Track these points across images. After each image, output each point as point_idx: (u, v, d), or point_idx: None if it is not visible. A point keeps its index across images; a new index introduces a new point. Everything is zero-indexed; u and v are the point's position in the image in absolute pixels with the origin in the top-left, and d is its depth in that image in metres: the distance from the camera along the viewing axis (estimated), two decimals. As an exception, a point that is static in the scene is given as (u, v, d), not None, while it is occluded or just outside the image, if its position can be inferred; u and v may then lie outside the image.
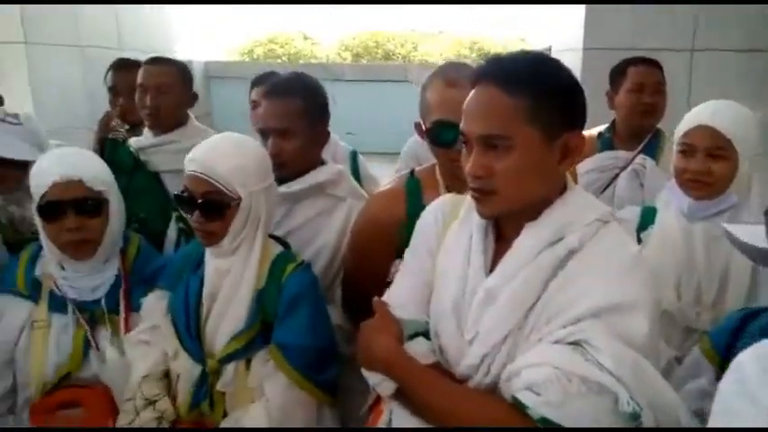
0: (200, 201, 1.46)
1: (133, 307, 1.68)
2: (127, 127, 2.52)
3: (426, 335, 1.19)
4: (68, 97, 7.09)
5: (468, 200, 1.20)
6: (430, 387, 1.09)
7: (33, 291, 1.66)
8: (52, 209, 1.58)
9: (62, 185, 1.57)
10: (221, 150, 1.48)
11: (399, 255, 1.57)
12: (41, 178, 1.60)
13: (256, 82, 2.54)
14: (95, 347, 1.62)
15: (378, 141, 6.66)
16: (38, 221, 1.63)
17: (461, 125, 1.11)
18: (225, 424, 1.46)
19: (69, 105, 6.59)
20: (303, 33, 14.38)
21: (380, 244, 1.55)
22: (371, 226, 1.59)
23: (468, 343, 1.11)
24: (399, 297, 1.25)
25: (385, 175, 2.61)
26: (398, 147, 2.85)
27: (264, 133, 1.74)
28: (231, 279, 1.50)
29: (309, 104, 1.77)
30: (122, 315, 1.67)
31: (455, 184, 1.53)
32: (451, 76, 1.47)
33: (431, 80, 1.51)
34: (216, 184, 1.44)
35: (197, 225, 1.47)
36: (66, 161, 1.63)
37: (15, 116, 1.89)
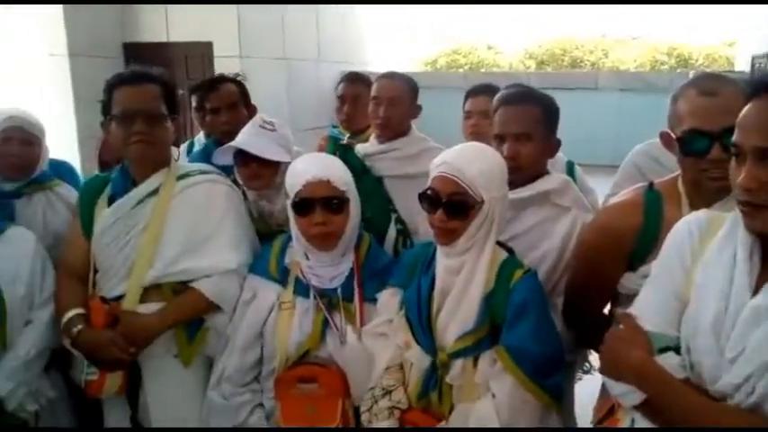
0: (445, 200, 1.56)
1: (365, 297, 1.85)
2: (348, 134, 2.76)
3: (677, 350, 1.17)
4: (275, 105, 7.87)
5: (730, 216, 1.17)
6: (688, 402, 1.08)
7: (282, 276, 1.90)
8: (304, 205, 1.79)
9: (313, 185, 1.78)
10: (470, 156, 1.59)
11: (630, 266, 1.56)
12: (297, 178, 1.81)
13: (472, 92, 2.63)
14: (336, 329, 1.79)
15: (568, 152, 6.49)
16: (291, 215, 1.85)
17: (735, 137, 1.09)
18: (453, 416, 1.55)
19: (277, 113, 7.30)
20: (487, 43, 14.41)
21: (611, 254, 1.55)
22: (604, 235, 1.58)
23: (728, 362, 1.08)
24: (647, 309, 1.24)
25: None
26: (591, 157, 2.79)
27: (501, 138, 1.82)
28: (462, 278, 1.58)
29: (547, 113, 1.83)
30: (357, 304, 1.83)
31: (700, 196, 1.48)
32: (706, 85, 1.44)
33: (684, 90, 1.49)
34: (462, 185, 1.54)
35: (439, 223, 1.58)
36: (317, 164, 1.85)
37: (271, 123, 2.17)
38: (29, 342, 1.94)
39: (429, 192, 1.61)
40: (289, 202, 1.85)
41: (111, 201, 1.95)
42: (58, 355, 2.04)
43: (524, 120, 1.80)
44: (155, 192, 1.94)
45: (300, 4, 8.86)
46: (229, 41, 8.03)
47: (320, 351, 1.82)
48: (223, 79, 2.61)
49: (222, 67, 7.63)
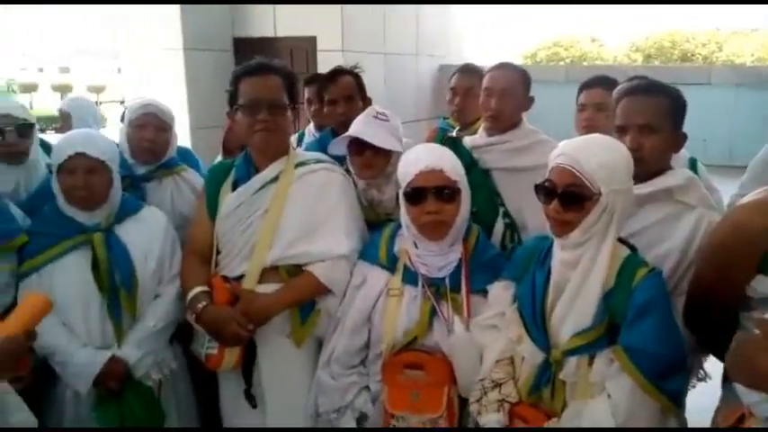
0: (560, 191, 1.54)
1: (472, 289, 1.85)
2: (458, 126, 2.76)
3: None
4: (373, 98, 7.98)
5: None
6: None
7: (391, 263, 1.93)
8: (416, 194, 1.81)
9: (426, 174, 1.80)
10: (591, 147, 1.55)
11: (762, 268, 1.46)
12: (410, 167, 1.84)
13: (587, 85, 2.56)
14: (443, 319, 1.81)
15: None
16: (402, 204, 1.88)
17: None
18: (566, 414, 1.52)
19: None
20: (590, 35, 13.87)
21: (743, 255, 1.45)
22: (736, 235, 1.49)
23: None
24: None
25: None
26: (703, 157, 2.64)
27: (623, 130, 1.76)
28: (579, 273, 1.54)
29: (674, 105, 1.76)
30: (464, 294, 1.84)
31: None
32: None
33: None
34: (580, 176, 1.51)
35: (554, 214, 1.55)
36: (430, 154, 1.87)
37: (384, 114, 2.21)
38: (157, 315, 2.10)
39: (546, 183, 1.59)
40: (400, 191, 1.88)
41: (234, 186, 2.07)
42: (179, 329, 2.20)
43: (650, 111, 1.74)
44: (275, 178, 2.04)
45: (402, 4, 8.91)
46: (333, 36, 8.21)
47: (427, 339, 1.84)
48: (342, 72, 2.68)
49: (325, 60, 7.83)
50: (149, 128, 2.37)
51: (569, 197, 1.53)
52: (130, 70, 8.72)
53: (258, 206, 2.02)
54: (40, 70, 24.09)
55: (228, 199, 2.05)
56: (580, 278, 1.54)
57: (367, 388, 1.95)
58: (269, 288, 1.99)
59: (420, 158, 1.84)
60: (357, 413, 1.92)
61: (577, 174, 1.51)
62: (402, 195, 1.87)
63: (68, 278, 1.99)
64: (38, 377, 1.98)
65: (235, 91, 2.00)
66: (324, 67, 6.77)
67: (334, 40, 8.23)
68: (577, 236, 1.54)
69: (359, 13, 8.31)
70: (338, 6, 8.05)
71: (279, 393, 2.03)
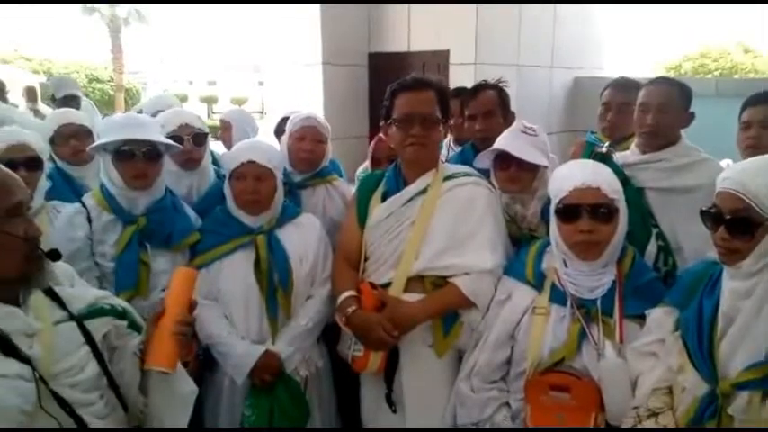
0: (727, 217, 1.45)
1: (626, 313, 1.78)
2: (607, 142, 2.66)
3: None
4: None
5: None
6: None
7: (538, 281, 1.91)
8: (570, 211, 1.78)
9: (581, 191, 1.76)
10: (756, 169, 1.45)
11: None
12: (563, 183, 1.81)
13: (752, 101, 2.38)
14: (593, 342, 1.76)
15: None
16: (553, 221, 1.86)
17: None
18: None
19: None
20: (743, 45, 12.79)
21: None
22: None
23: None
24: None
25: None
26: None
27: None
28: (752, 303, 1.44)
29: None
30: (617, 318, 1.77)
31: None
32: None
33: None
34: (746, 200, 1.42)
35: (721, 241, 1.47)
36: (586, 170, 1.83)
37: (532, 128, 2.20)
38: (308, 314, 2.23)
39: (712, 209, 1.50)
40: (551, 207, 1.86)
41: (384, 197, 2.15)
42: (326, 329, 2.31)
43: None
44: (424, 191, 2.09)
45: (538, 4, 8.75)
46: (466, 49, 8.23)
47: (574, 361, 1.80)
48: (485, 86, 2.69)
49: (456, 74, 7.87)
50: (308, 139, 2.53)
51: (737, 223, 1.44)
52: (271, 84, 9.27)
53: (406, 217, 2.08)
54: (190, 83, 26.40)
55: (378, 209, 2.13)
56: (754, 309, 1.44)
57: (507, 404, 1.94)
58: (413, 297, 2.04)
59: (575, 174, 1.81)
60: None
61: (744, 198, 1.42)
62: (553, 212, 1.84)
63: (233, 275, 2.17)
64: (200, 364, 2.18)
65: (390, 105, 2.08)
66: (455, 80, 6.81)
67: (467, 53, 8.25)
68: (749, 264, 1.44)
69: (493, 24, 8.28)
70: (473, 18, 8.07)
71: (418, 400, 2.07)
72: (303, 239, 2.26)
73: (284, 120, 3.38)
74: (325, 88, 8.53)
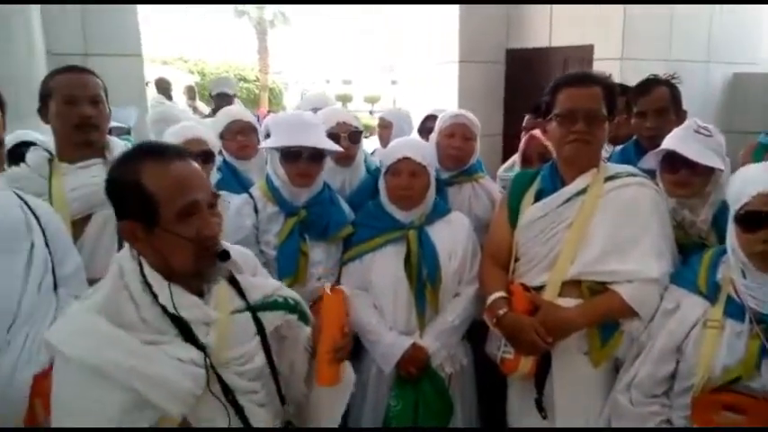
0: None
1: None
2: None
3: None
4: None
5: None
6: None
7: (711, 292, 1.76)
8: (752, 219, 1.62)
9: (765, 197, 1.60)
10: None
11: None
12: (745, 187, 1.65)
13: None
14: (778, 361, 1.59)
15: None
16: (731, 228, 1.70)
17: None
18: None
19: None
20: None
21: None
22: None
23: None
24: None
25: None
26: None
27: None
28: None
29: None
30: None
31: None
32: None
33: None
34: None
35: None
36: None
37: (707, 128, 2.03)
38: (455, 311, 2.23)
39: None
40: (729, 214, 1.71)
41: (538, 196, 2.09)
42: (470, 328, 2.30)
43: None
44: (583, 191, 2.00)
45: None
46: (612, 43, 7.82)
47: (753, 381, 1.64)
48: (656, 82, 2.54)
49: (601, 70, 7.49)
50: (458, 137, 2.53)
51: None
52: (404, 82, 9.39)
53: (563, 218, 2.01)
54: (327, 82, 27.53)
55: (532, 209, 2.07)
56: None
57: (668, 421, 1.81)
58: (568, 302, 1.96)
59: (760, 179, 1.65)
60: (657, 446, 1.80)
61: None
62: (733, 219, 1.69)
63: (384, 267, 2.23)
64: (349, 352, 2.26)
65: (551, 100, 2.02)
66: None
67: (613, 47, 7.83)
68: None
69: (643, 16, 7.78)
70: (620, 10, 7.65)
71: (570, 409, 1.99)
72: (452, 237, 2.26)
73: (429, 117, 3.43)
74: (461, 86, 8.49)
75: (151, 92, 7.14)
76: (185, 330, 1.28)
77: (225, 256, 1.31)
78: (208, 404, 1.29)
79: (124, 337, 1.22)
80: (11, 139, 2.31)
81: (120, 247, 2.02)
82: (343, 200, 2.43)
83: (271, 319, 1.45)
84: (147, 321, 1.26)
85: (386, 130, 3.66)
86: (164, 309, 1.26)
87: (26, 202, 1.64)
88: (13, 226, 1.56)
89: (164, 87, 7.77)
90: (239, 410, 1.34)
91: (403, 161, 2.17)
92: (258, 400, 1.41)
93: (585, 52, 8.00)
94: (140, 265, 1.29)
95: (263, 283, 1.50)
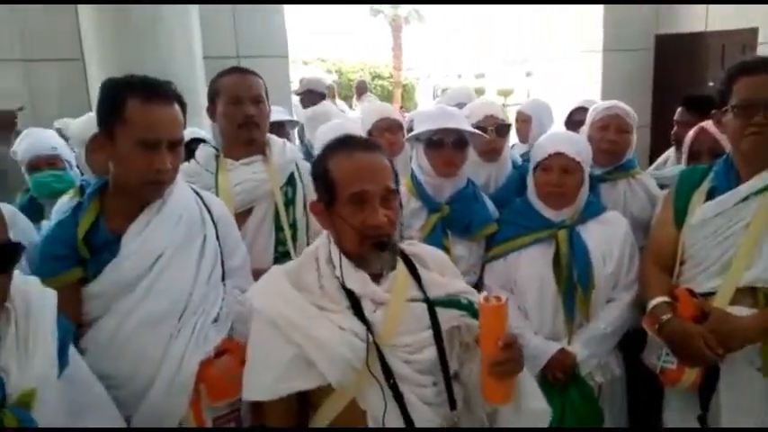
0: None
1: None
2: None
3: None
4: None
5: None
6: None
7: None
8: None
9: None
10: None
11: None
12: None
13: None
14: None
15: None
16: None
17: None
18: None
19: None
20: None
21: None
22: None
23: None
24: None
25: None
26: None
27: None
28: None
29: None
30: None
31: None
32: None
33: None
34: None
35: None
36: None
37: None
38: (608, 319, 2.10)
39: None
40: None
41: (710, 194, 1.91)
42: (625, 336, 2.16)
43: None
44: (762, 189, 1.80)
45: None
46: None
47: None
48: None
49: (765, 54, 6.74)
50: (612, 129, 2.38)
51: None
52: (540, 74, 9.07)
53: (739, 219, 1.82)
54: (459, 76, 27.33)
55: (704, 207, 1.89)
56: None
57: None
58: (742, 311, 1.77)
59: None
60: None
61: None
62: None
63: (530, 268, 2.14)
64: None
65: (726, 90, 1.83)
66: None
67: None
68: None
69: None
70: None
71: (739, 429, 1.80)
72: (607, 237, 2.13)
73: (577, 110, 3.26)
74: (605, 76, 8.04)
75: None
76: (356, 305, 1.39)
77: (384, 246, 1.38)
78: (368, 383, 1.36)
79: (299, 298, 1.38)
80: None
81: (278, 240, 2.16)
82: (488, 196, 2.38)
83: (447, 317, 1.46)
84: (324, 288, 1.41)
85: (524, 123, 3.52)
86: (342, 284, 1.40)
87: (200, 197, 1.77)
88: (192, 219, 1.69)
89: (362, 89, 8.12)
90: (399, 397, 1.37)
91: (555, 156, 2.08)
92: (424, 396, 1.41)
93: (748, 37, 7.23)
94: (330, 242, 1.45)
95: (448, 282, 1.51)
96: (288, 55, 6.43)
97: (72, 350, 1.34)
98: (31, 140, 2.78)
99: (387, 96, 18.77)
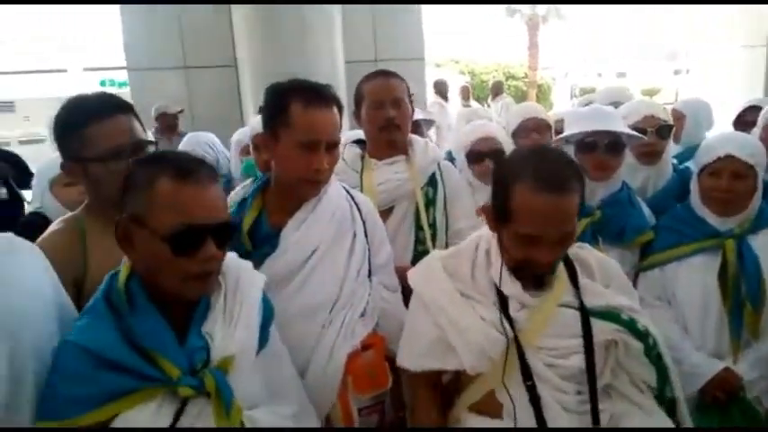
0: None
1: None
2: None
3: None
4: None
5: None
6: None
7: None
8: None
9: None
10: None
11: None
12: None
13: None
14: None
15: None
16: None
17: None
18: None
19: None
20: None
21: None
22: None
23: None
24: None
25: None
26: None
27: None
28: None
29: None
30: None
31: None
32: None
33: None
34: None
35: None
36: None
37: None
38: None
39: None
40: None
41: None
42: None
43: None
44: None
45: None
46: None
47: None
48: None
49: None
50: None
51: None
52: (694, 71, 8.43)
53: None
54: (599, 75, 25.96)
55: None
56: None
57: None
58: None
59: None
60: None
61: None
62: None
63: (691, 280, 1.98)
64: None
65: None
66: None
67: None
68: None
69: None
70: None
71: None
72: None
73: (749, 109, 2.97)
74: (768, 72, 7.30)
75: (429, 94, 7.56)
76: (503, 301, 1.44)
77: (540, 282, 1.46)
78: (507, 378, 1.40)
79: (447, 282, 1.48)
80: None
81: (417, 240, 2.18)
82: (644, 201, 2.23)
83: (602, 328, 1.42)
84: (475, 279, 1.49)
85: (677, 122, 3.23)
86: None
87: (351, 195, 1.82)
88: (344, 216, 1.75)
89: (441, 89, 8.17)
90: (535, 398, 1.38)
91: (725, 160, 1.90)
92: (564, 402, 1.40)
93: None
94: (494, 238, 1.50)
95: (610, 295, 1.48)
96: (424, 57, 6.49)
97: (274, 331, 1.44)
98: (191, 141, 3.12)
99: (521, 97, 18.30)
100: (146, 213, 1.16)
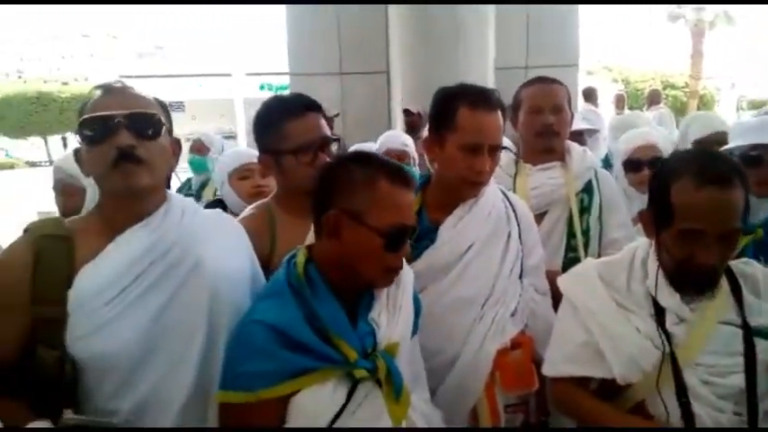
0: None
1: None
2: None
3: None
4: None
5: None
6: None
7: None
8: None
9: None
10: None
11: None
12: None
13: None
14: None
15: None
16: None
17: None
18: None
19: None
20: None
21: None
22: None
23: None
24: None
25: None
26: None
27: None
28: None
29: None
30: None
31: None
32: None
33: None
34: None
35: None
36: None
37: None
38: None
39: None
40: None
41: None
42: None
43: None
44: None
45: None
46: None
47: None
48: None
49: None
50: None
51: None
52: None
53: None
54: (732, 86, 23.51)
55: None
56: None
57: None
58: None
59: None
60: None
61: None
62: None
63: None
64: None
65: None
66: None
67: None
68: None
69: None
70: None
71: None
72: None
73: None
74: None
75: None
76: (659, 313, 1.39)
77: (701, 289, 1.38)
78: (661, 390, 1.35)
79: (603, 290, 1.47)
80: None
81: (569, 246, 2.16)
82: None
83: (765, 348, 1.36)
84: (631, 290, 1.45)
85: None
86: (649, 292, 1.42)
87: (507, 197, 1.87)
88: (499, 216, 1.80)
89: (591, 96, 7.87)
90: (688, 415, 1.33)
91: None
92: (720, 422, 1.34)
93: None
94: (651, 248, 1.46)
95: None
96: (578, 63, 6.31)
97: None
98: (383, 139, 3.40)
99: (680, 108, 17.05)
100: (365, 210, 1.26)
